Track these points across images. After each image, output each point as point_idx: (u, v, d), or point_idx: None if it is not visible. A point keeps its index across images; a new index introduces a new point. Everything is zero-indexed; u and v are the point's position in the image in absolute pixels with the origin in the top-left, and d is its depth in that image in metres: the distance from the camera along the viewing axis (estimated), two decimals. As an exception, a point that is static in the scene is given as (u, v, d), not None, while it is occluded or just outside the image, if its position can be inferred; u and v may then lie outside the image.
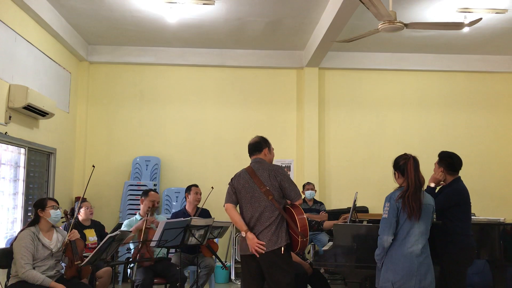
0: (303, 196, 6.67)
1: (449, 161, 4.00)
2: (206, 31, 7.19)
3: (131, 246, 4.94)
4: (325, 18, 6.45)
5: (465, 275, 3.84)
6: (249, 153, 4.06)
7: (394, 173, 3.54)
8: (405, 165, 3.42)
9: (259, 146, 4.00)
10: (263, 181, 3.77)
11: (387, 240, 3.33)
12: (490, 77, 8.46)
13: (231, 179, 4.00)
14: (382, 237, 3.36)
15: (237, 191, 3.92)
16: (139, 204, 7.22)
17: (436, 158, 4.08)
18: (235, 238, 7.45)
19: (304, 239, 3.69)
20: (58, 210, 4.25)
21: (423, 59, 8.25)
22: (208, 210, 5.85)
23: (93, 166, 5.18)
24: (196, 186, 5.85)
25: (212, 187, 5.96)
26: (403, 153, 3.55)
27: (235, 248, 7.45)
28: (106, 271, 4.91)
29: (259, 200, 3.77)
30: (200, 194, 5.76)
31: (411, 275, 3.24)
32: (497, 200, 8.10)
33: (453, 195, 3.90)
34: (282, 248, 3.70)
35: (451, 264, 3.79)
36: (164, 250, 5.10)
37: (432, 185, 3.98)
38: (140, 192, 7.35)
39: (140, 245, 4.74)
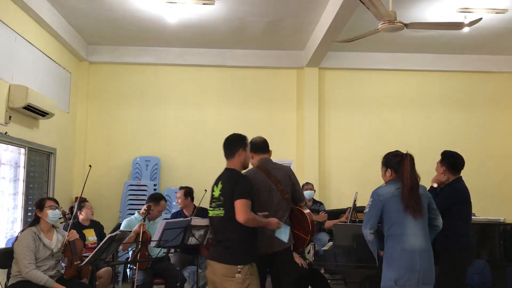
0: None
1: (452, 161, 4.00)
2: (206, 31, 7.19)
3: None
4: (325, 18, 6.45)
5: (465, 275, 3.84)
6: (256, 151, 3.91)
7: (386, 170, 3.44)
8: (400, 163, 3.34)
9: (267, 147, 3.98)
10: (279, 180, 3.77)
11: (366, 233, 3.35)
12: (490, 77, 8.46)
13: None
14: (363, 231, 3.39)
15: None
16: (139, 204, 7.32)
17: (436, 158, 4.08)
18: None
19: (312, 237, 3.82)
20: (57, 210, 4.25)
21: (423, 59, 8.24)
22: (207, 209, 5.82)
23: (90, 166, 5.10)
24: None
25: (206, 190, 5.81)
26: (393, 150, 3.50)
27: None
28: (106, 271, 4.91)
29: (273, 198, 3.74)
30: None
31: (413, 271, 3.18)
32: (497, 200, 8.09)
33: (453, 194, 3.91)
34: (291, 246, 3.76)
35: (451, 264, 3.79)
36: (164, 250, 5.10)
37: (435, 185, 3.98)
38: (140, 192, 7.43)
39: (138, 246, 4.71)
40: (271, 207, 3.72)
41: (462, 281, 3.79)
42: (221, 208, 3.28)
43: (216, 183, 3.42)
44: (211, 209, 3.40)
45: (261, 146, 3.97)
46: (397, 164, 3.37)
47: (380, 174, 3.55)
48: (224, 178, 3.39)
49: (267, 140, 4.00)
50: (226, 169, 3.45)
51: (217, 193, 3.36)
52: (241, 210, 3.17)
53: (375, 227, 3.33)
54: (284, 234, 3.50)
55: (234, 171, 3.40)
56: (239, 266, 3.17)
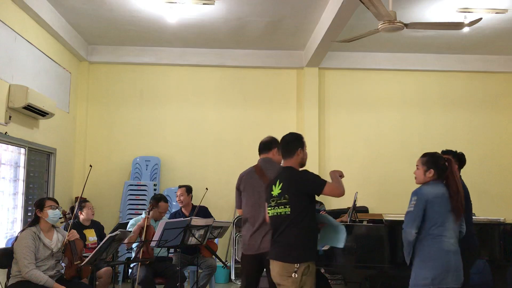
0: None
1: (460, 157, 4.08)
2: (206, 31, 7.19)
3: (133, 245, 4.97)
4: (325, 18, 6.45)
5: (468, 274, 3.83)
6: (258, 151, 4.07)
7: (428, 170, 3.42)
8: (448, 166, 3.39)
9: (268, 147, 4.00)
10: None
11: (410, 233, 3.30)
12: (490, 77, 8.45)
13: (237, 181, 4.00)
14: (406, 230, 3.34)
15: (243, 190, 3.91)
16: (139, 204, 7.34)
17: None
18: (235, 238, 7.45)
19: None
20: (57, 210, 4.25)
21: (423, 59, 8.24)
22: (206, 207, 5.83)
23: (90, 166, 5.10)
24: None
25: (207, 188, 5.86)
26: (433, 151, 3.53)
27: (235, 248, 7.46)
28: (106, 271, 4.91)
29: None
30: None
31: (448, 271, 3.23)
32: (497, 200, 8.10)
33: None
34: None
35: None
36: (165, 250, 5.11)
37: None
38: (140, 192, 7.44)
39: (140, 244, 4.75)
40: (262, 207, 3.72)
41: (465, 280, 3.78)
42: (287, 206, 3.27)
43: (274, 182, 3.39)
44: (270, 208, 3.37)
45: (261, 146, 4.04)
46: (444, 166, 3.39)
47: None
48: (284, 176, 3.37)
49: (276, 140, 4.01)
50: (284, 168, 3.45)
51: (276, 191, 3.33)
52: (333, 188, 3.40)
53: (419, 226, 3.32)
54: (341, 239, 3.48)
55: (294, 170, 3.41)
56: (296, 265, 3.15)
